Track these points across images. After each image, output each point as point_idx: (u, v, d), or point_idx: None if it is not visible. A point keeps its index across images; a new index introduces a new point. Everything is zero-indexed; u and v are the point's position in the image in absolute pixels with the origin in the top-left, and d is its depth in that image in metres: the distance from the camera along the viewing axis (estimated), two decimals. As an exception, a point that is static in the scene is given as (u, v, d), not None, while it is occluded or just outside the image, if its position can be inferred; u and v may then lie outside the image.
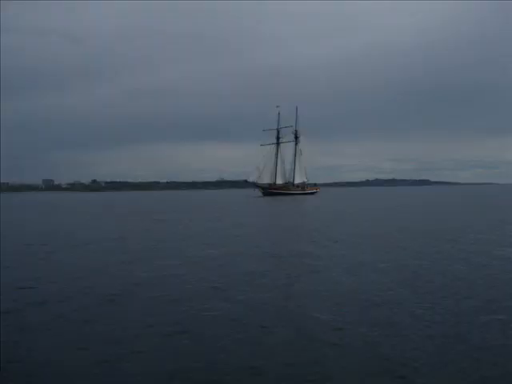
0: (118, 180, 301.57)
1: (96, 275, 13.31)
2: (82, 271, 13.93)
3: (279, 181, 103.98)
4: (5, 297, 10.76)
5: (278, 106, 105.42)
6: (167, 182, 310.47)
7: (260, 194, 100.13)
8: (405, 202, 66.77)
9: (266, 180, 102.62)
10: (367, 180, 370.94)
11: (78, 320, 8.97)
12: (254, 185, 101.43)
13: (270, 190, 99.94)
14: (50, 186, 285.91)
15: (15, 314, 9.45)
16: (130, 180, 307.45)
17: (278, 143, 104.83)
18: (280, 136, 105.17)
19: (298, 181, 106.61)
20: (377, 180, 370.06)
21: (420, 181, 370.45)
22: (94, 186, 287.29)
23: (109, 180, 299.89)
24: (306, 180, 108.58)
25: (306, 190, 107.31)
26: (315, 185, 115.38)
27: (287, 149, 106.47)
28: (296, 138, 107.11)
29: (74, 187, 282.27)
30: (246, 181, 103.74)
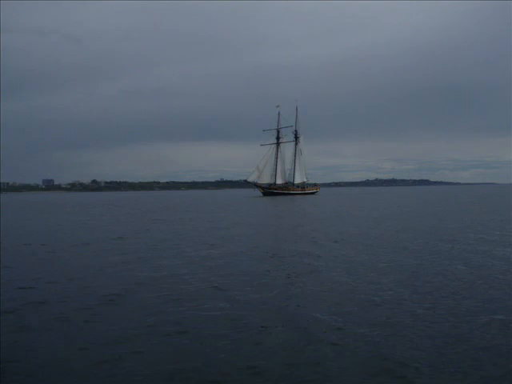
0: (117, 180, 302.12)
1: (96, 275, 13.32)
2: (82, 271, 13.94)
3: (279, 181, 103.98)
4: (5, 297, 10.77)
5: (277, 106, 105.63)
6: (167, 182, 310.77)
7: (260, 193, 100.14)
8: (405, 202, 66.77)
9: (265, 180, 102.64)
10: (367, 180, 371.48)
11: (78, 320, 8.97)
12: (254, 185, 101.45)
13: (269, 190, 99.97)
14: (50, 186, 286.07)
15: (15, 314, 9.46)
16: (129, 180, 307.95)
17: (277, 143, 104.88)
18: (280, 136, 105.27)
19: (297, 181, 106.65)
20: (377, 180, 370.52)
21: (420, 181, 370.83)
22: (94, 186, 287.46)
23: (109, 180, 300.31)
24: (305, 180, 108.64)
25: (305, 190, 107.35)
26: (315, 185, 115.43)
27: (287, 149, 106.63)
28: (296, 138, 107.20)
29: (73, 187, 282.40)
30: (245, 181, 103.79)
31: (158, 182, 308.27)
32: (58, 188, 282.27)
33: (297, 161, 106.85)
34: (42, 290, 11.59)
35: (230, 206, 59.31)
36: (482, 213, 38.17)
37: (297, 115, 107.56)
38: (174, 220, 35.21)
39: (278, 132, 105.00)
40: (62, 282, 12.41)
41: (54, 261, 16.23)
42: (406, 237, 21.53)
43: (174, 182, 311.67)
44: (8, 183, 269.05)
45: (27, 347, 7.62)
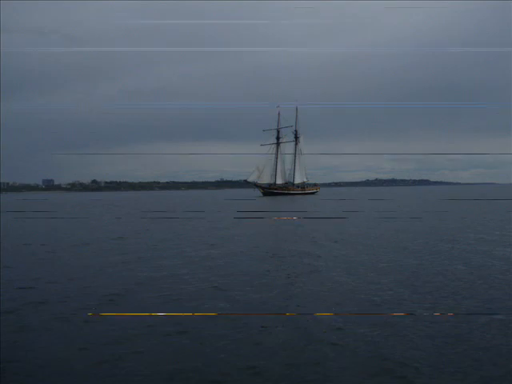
0: (117, 180, 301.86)
1: (96, 275, 13.31)
2: (82, 271, 13.94)
3: (279, 181, 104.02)
4: (5, 297, 10.76)
5: (278, 106, 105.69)
6: (167, 182, 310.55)
7: (260, 193, 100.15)
8: (405, 202, 66.75)
9: (265, 180, 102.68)
10: (367, 180, 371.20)
11: (78, 320, 8.97)
12: (254, 185, 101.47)
13: (269, 190, 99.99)
14: (50, 186, 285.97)
15: (15, 314, 9.46)
16: (129, 180, 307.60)
17: (278, 143, 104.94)
18: (280, 136, 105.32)
19: (297, 181, 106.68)
20: (377, 180, 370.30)
21: (420, 181, 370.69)
22: (94, 186, 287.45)
23: (109, 180, 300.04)
24: (305, 180, 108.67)
25: (305, 190, 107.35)
26: (315, 185, 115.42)
27: (287, 149, 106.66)
28: (296, 138, 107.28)
29: (74, 187, 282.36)
30: (245, 181, 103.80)
31: (158, 182, 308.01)
32: (58, 188, 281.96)
33: (297, 161, 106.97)
34: (42, 289, 11.59)
35: (230, 206, 59.31)
36: (482, 213, 38.16)
37: (297, 115, 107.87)
38: (173, 220, 35.20)
39: (278, 132, 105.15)
40: (62, 282, 12.42)
41: (54, 261, 16.22)
42: (406, 237, 21.53)
43: (173, 182, 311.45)
44: (8, 183, 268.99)
45: (27, 347, 7.62)
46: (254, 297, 10.56)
